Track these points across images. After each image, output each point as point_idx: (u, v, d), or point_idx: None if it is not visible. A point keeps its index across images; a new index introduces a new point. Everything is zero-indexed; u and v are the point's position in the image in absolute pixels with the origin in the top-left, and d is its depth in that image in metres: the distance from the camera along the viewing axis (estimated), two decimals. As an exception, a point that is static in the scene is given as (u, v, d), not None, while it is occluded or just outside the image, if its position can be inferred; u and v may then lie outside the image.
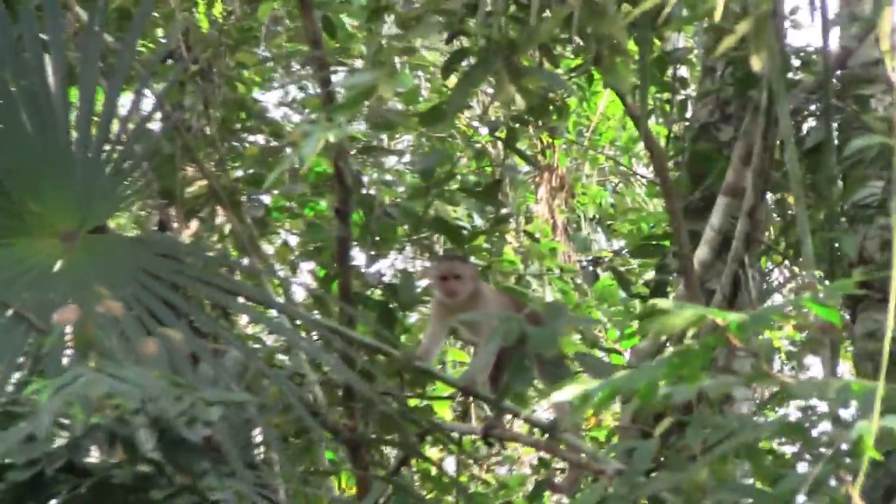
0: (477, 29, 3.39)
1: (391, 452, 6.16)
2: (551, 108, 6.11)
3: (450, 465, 8.31)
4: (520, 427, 6.33)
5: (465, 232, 5.65)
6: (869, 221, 6.00)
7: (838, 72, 6.16)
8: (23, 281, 3.70)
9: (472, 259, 5.94)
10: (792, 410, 6.01)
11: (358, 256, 5.82)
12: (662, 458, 3.43)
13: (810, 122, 6.21)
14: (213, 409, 2.79)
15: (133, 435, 2.93)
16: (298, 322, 4.78)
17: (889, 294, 2.22)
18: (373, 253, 5.48)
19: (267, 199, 6.85)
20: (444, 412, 7.15)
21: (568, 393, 2.55)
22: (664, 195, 5.21)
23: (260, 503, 2.92)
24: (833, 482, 2.56)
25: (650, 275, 9.99)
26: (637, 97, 5.12)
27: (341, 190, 4.63)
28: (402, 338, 5.98)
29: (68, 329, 2.91)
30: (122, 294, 3.47)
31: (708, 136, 6.49)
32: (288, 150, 7.23)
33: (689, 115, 6.76)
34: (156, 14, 6.66)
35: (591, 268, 6.77)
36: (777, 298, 6.79)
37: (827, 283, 5.71)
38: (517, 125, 6.39)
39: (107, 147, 3.92)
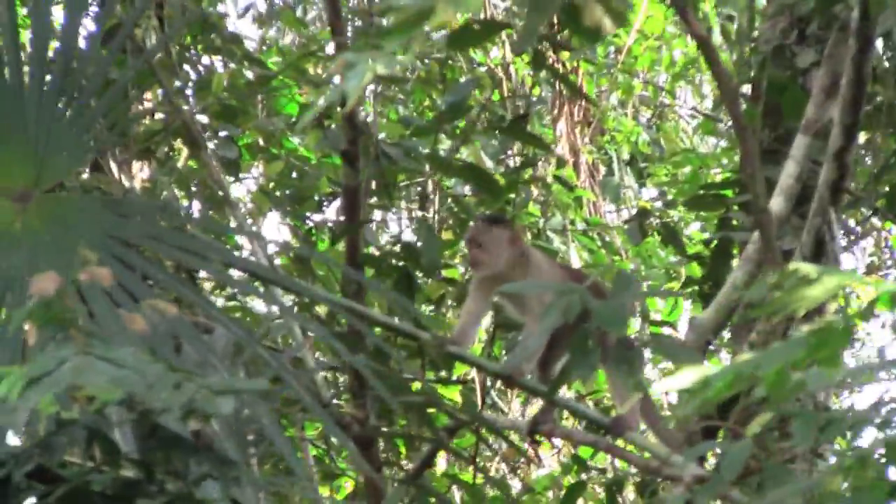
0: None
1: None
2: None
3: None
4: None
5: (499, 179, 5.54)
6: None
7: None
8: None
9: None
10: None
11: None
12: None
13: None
14: (224, 401, 2.74)
15: (115, 432, 2.90)
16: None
17: None
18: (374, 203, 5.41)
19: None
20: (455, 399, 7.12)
21: (683, 380, 2.49)
22: (737, 133, 5.15)
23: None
24: None
25: (692, 230, 10.01)
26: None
27: (349, 128, 4.55)
28: (423, 309, 5.91)
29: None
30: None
31: (782, 60, 6.44)
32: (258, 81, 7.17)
33: (757, 35, 6.69)
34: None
35: (635, 222, 6.70)
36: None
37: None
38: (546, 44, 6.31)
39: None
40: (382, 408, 4.55)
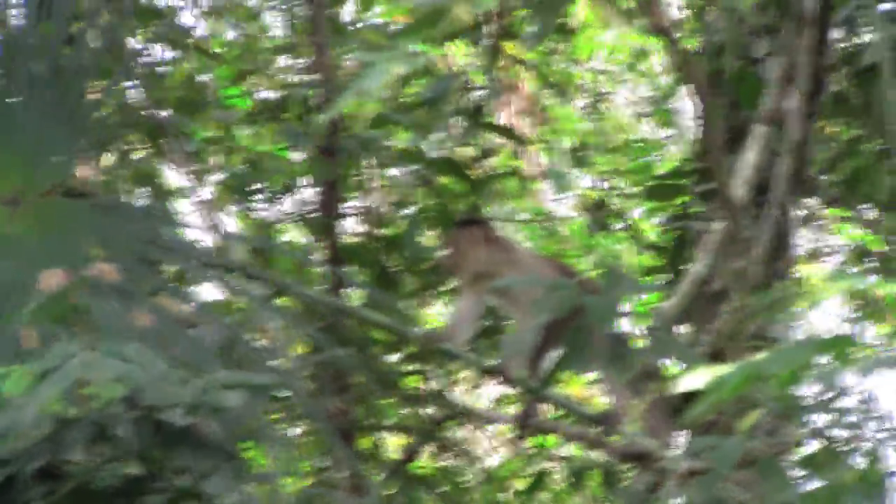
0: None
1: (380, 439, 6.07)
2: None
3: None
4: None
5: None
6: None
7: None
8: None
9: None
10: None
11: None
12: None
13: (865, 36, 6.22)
14: (233, 395, 2.74)
15: (121, 428, 2.88)
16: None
17: None
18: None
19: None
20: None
21: (698, 379, 2.51)
22: (705, 121, 5.19)
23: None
24: None
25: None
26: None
27: (328, 123, 4.54)
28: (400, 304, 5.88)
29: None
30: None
31: (737, 50, 6.46)
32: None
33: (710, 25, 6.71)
34: None
35: (592, 213, 6.72)
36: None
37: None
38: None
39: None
40: (364, 401, 4.54)
